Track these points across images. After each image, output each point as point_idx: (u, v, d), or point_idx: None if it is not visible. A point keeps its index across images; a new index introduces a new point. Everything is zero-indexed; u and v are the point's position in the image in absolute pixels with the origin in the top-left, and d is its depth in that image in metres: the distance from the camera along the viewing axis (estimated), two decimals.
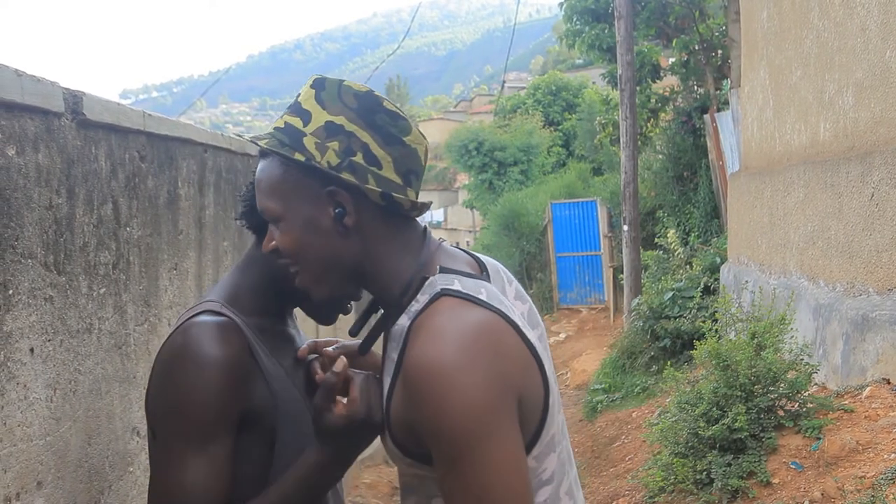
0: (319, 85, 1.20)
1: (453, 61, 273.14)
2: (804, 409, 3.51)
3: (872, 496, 2.70)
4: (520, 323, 1.17)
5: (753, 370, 3.52)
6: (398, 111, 1.21)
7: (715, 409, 3.59)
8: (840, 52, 4.26)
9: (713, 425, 3.50)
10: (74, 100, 1.53)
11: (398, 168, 1.19)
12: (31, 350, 1.36)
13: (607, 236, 14.35)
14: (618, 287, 12.11)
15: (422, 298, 1.17)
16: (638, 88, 11.26)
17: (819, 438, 3.27)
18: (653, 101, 12.73)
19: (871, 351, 3.62)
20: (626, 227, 9.80)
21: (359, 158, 1.16)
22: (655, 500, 3.84)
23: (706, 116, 10.66)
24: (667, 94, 12.81)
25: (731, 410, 3.46)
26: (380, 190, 1.16)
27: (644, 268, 9.70)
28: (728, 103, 9.77)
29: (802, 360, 3.66)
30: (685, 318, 7.31)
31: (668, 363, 5.01)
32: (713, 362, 3.66)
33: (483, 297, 1.15)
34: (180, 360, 1.23)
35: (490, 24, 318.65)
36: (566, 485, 1.24)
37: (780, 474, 3.24)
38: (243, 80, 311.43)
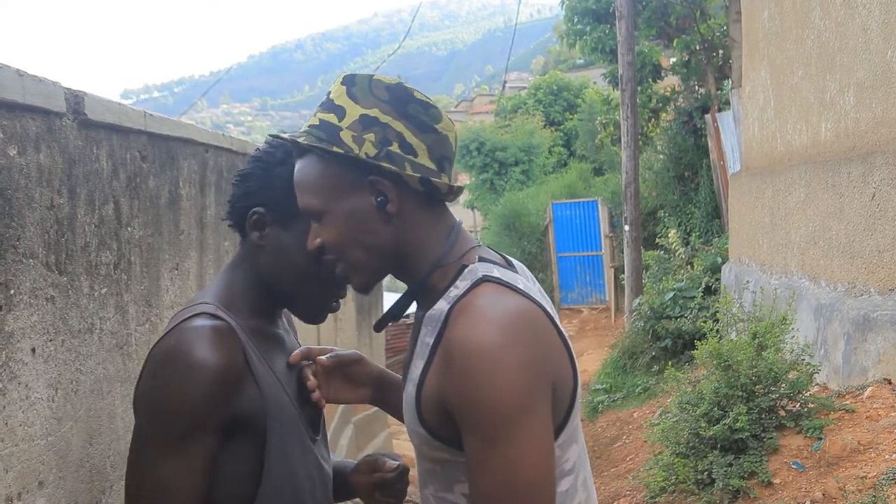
0: (350, 81, 1.23)
1: (454, 61, 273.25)
2: (805, 410, 3.51)
3: (874, 496, 2.70)
4: (552, 314, 1.21)
5: (755, 370, 3.52)
6: (428, 100, 1.24)
7: (716, 409, 3.59)
8: (841, 52, 4.26)
9: (714, 425, 3.50)
10: (76, 100, 1.53)
11: (432, 155, 1.22)
12: (33, 350, 1.36)
13: (608, 236, 14.36)
14: (619, 287, 12.12)
15: (461, 284, 1.20)
16: (639, 88, 11.27)
17: (820, 438, 3.27)
18: (654, 101, 12.73)
19: (872, 351, 3.62)
20: (627, 227, 9.80)
21: (395, 148, 1.19)
22: (656, 500, 3.84)
23: (707, 116, 10.66)
24: (668, 94, 12.81)
25: (732, 410, 3.46)
26: (418, 176, 1.19)
27: (645, 268, 9.70)
28: (729, 103, 9.77)
29: (804, 360, 3.66)
30: (686, 318, 7.31)
31: (670, 363, 5.01)
32: (714, 362, 3.66)
33: (520, 286, 1.19)
34: (172, 362, 1.23)
35: (491, 23, 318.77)
36: (583, 477, 1.27)
37: (782, 474, 3.24)
38: (244, 80, 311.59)
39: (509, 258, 1.34)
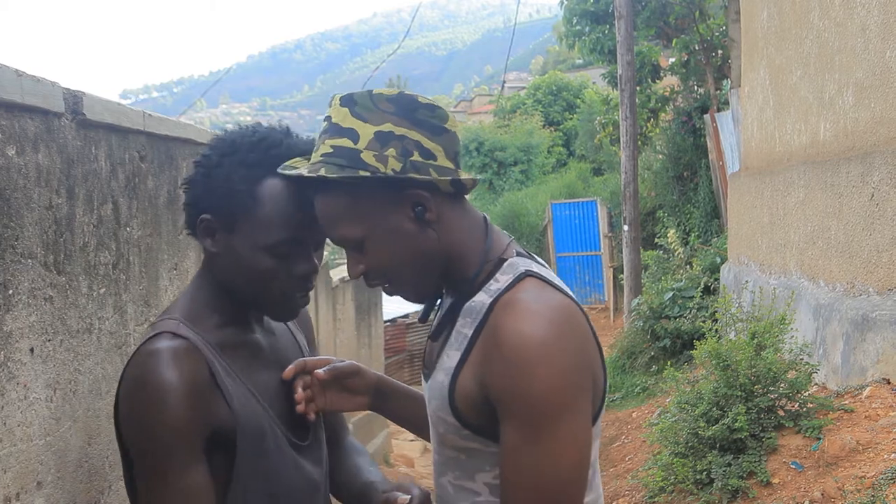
0: (350, 101, 1.22)
1: (453, 61, 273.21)
2: (804, 409, 3.51)
3: (872, 496, 2.70)
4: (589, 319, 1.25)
5: (753, 370, 3.52)
6: (432, 102, 1.25)
7: (715, 409, 3.59)
8: (840, 52, 4.26)
9: (713, 425, 3.50)
10: (74, 100, 1.53)
11: (448, 154, 1.24)
12: (32, 350, 1.36)
13: (607, 236, 14.36)
14: (618, 287, 12.12)
15: (502, 278, 1.23)
16: (638, 88, 11.26)
17: (819, 438, 3.27)
18: (653, 101, 12.73)
19: (871, 351, 3.62)
20: (626, 227, 9.80)
21: (416, 156, 1.20)
22: (655, 500, 3.84)
23: (706, 116, 10.66)
24: (667, 94, 12.81)
25: (731, 410, 3.46)
26: (449, 178, 1.21)
27: (644, 268, 9.71)
28: (728, 103, 9.77)
29: (802, 360, 3.66)
30: (685, 318, 7.31)
31: (668, 363, 5.01)
32: (713, 362, 3.66)
33: (560, 285, 1.24)
34: (140, 392, 1.23)
35: (490, 24, 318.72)
36: (594, 471, 1.31)
37: (781, 474, 3.24)
38: (244, 80, 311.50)
39: (531, 253, 1.36)
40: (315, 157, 1.22)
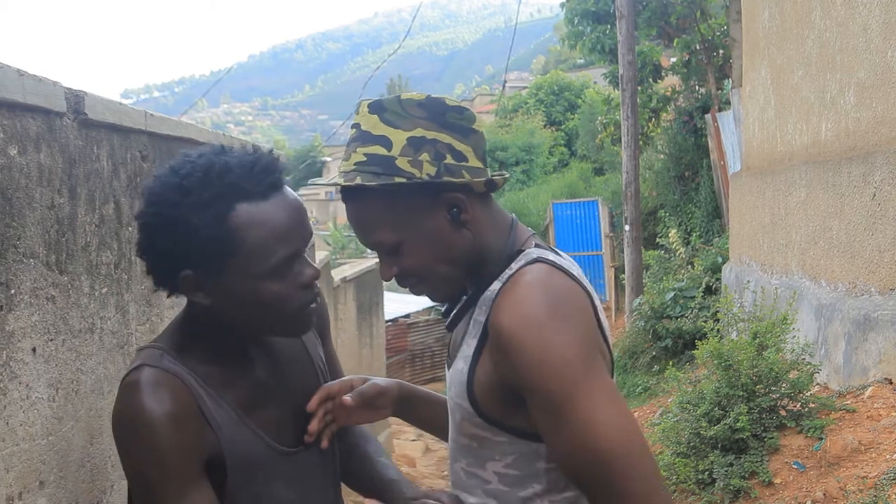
0: (379, 108, 1.22)
1: (454, 61, 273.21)
2: (806, 409, 3.51)
3: (875, 496, 2.70)
4: (599, 307, 1.25)
5: (755, 370, 3.52)
6: (459, 104, 1.26)
7: (717, 409, 3.59)
8: (842, 52, 4.26)
9: (715, 425, 3.50)
10: (76, 99, 1.53)
11: (477, 154, 1.25)
12: (34, 350, 1.36)
13: (609, 236, 14.35)
14: (619, 287, 12.12)
15: (515, 266, 1.24)
16: (639, 88, 11.27)
17: (821, 438, 3.27)
18: (654, 100, 12.73)
19: (873, 351, 3.62)
20: (627, 227, 9.80)
21: (449, 159, 1.21)
22: None
23: (707, 116, 10.65)
24: (668, 93, 12.81)
25: (732, 410, 3.46)
26: (483, 179, 1.23)
27: (645, 268, 9.70)
28: (730, 103, 9.77)
29: (804, 360, 3.66)
30: (687, 317, 7.31)
31: (670, 363, 5.01)
32: (715, 362, 3.65)
33: (575, 273, 1.24)
34: (124, 425, 1.22)
35: (491, 23, 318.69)
36: None
37: (782, 474, 3.24)
38: (245, 80, 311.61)
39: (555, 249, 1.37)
40: (348, 165, 1.22)
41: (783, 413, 3.51)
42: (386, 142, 1.20)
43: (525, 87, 29.78)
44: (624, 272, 10.13)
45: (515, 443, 1.23)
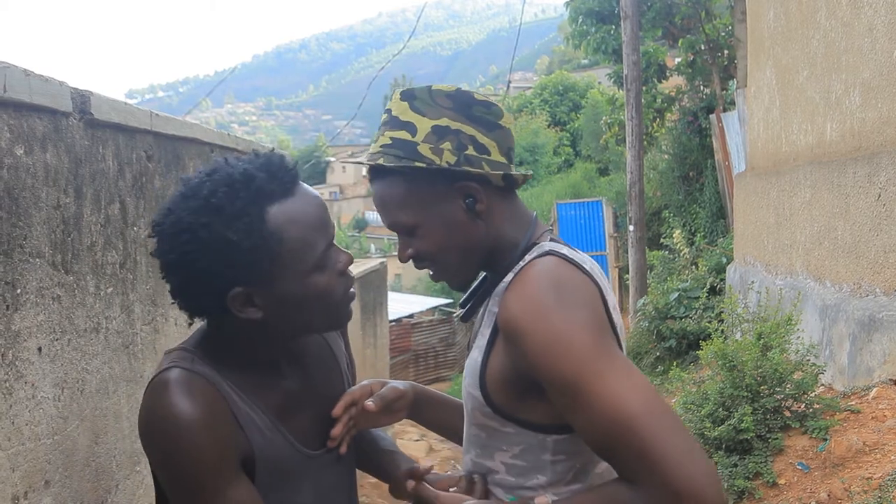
0: (410, 96, 1.28)
1: (458, 61, 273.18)
2: (810, 410, 3.50)
3: (879, 497, 2.69)
4: (612, 309, 1.25)
5: (759, 371, 3.51)
6: (488, 99, 1.30)
7: (721, 409, 3.58)
8: (847, 52, 4.25)
9: (719, 426, 3.50)
10: (82, 99, 1.53)
11: (501, 149, 1.29)
12: (39, 349, 1.37)
13: (613, 236, 14.33)
14: (623, 287, 12.10)
15: (528, 258, 1.27)
16: (644, 88, 11.25)
17: (825, 439, 3.26)
18: (659, 101, 12.71)
19: (877, 352, 3.61)
20: (631, 228, 9.78)
21: (471, 151, 1.26)
22: None
23: (712, 116, 10.64)
24: (673, 94, 12.80)
25: (737, 411, 3.45)
26: (501, 173, 1.27)
27: (650, 268, 9.69)
28: (734, 103, 9.75)
29: (809, 360, 3.65)
30: (691, 318, 7.30)
31: (674, 363, 5.01)
32: (719, 363, 3.65)
33: (587, 267, 1.25)
34: (156, 424, 1.18)
35: (495, 23, 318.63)
36: None
37: (787, 475, 3.24)
38: (249, 80, 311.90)
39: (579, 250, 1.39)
40: (375, 147, 1.28)
41: (787, 414, 3.51)
42: (412, 128, 1.25)
43: (529, 88, 29.78)
44: (628, 272, 10.11)
45: (522, 434, 1.25)
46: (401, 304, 16.07)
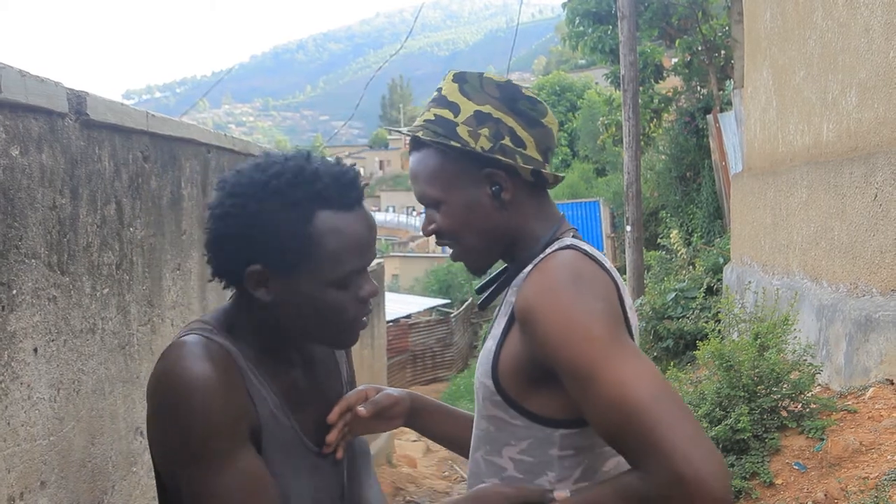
0: (461, 79, 1.33)
1: (456, 62, 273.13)
2: (807, 410, 3.50)
3: (876, 497, 2.70)
4: (629, 308, 1.26)
5: (756, 371, 3.52)
6: (535, 96, 1.34)
7: (718, 409, 3.58)
8: (843, 53, 4.26)
9: (716, 426, 3.50)
10: (78, 100, 1.53)
11: (539, 147, 1.33)
12: (35, 350, 1.36)
13: (610, 237, 14.35)
14: None
15: (548, 251, 1.29)
16: (641, 89, 11.26)
17: (822, 439, 3.26)
18: (656, 101, 12.73)
19: (874, 352, 3.62)
20: (628, 228, 9.79)
21: (507, 141, 1.29)
22: None
23: (709, 117, 10.66)
24: (670, 94, 12.82)
25: (734, 411, 3.46)
26: (530, 168, 1.29)
27: (647, 268, 9.70)
28: (731, 104, 9.77)
29: (805, 360, 3.66)
30: (688, 318, 7.30)
31: (671, 364, 5.01)
32: (716, 363, 3.65)
33: (607, 265, 1.26)
34: (167, 384, 1.17)
35: (493, 24, 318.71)
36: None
37: (784, 475, 3.24)
38: (246, 81, 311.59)
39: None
40: (420, 120, 1.33)
41: (784, 414, 3.51)
42: (455, 108, 1.30)
43: (527, 88, 29.75)
44: (625, 273, 10.12)
45: (530, 427, 1.25)
46: (398, 305, 16.06)
